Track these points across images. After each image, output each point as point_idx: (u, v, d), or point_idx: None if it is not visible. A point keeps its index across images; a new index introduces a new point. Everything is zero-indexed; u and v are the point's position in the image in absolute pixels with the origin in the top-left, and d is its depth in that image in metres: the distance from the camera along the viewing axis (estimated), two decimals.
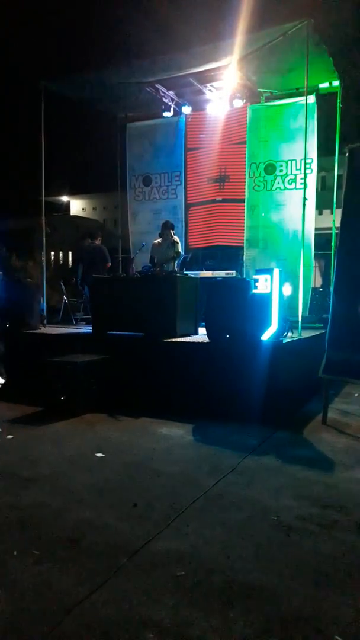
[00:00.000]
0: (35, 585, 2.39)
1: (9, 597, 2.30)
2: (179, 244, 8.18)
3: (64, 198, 41.50)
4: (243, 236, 9.10)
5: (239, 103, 8.82)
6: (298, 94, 8.30)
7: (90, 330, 7.00)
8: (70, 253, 28.49)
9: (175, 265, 8.04)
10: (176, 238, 8.13)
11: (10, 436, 4.83)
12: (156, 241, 8.20)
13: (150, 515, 3.13)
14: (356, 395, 6.72)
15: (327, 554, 2.68)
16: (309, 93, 7.31)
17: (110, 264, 8.68)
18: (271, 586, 2.39)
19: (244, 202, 9.09)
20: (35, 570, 2.52)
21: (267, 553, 2.69)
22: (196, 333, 6.63)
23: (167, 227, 8.07)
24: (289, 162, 8.59)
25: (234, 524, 3.03)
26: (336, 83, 8.14)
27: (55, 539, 2.82)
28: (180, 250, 8.17)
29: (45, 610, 2.21)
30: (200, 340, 6.04)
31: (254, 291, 5.52)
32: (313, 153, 8.14)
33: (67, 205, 43.33)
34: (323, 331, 6.39)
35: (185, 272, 7.77)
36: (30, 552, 2.68)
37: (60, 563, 2.58)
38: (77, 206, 44.44)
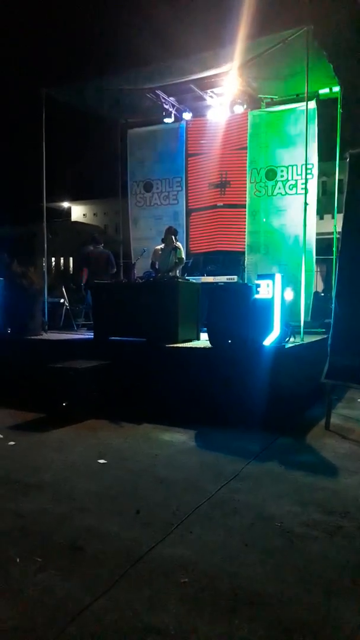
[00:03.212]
0: (38, 593, 2.37)
1: (12, 605, 2.29)
2: (182, 250, 8.18)
3: (65, 204, 41.63)
4: (244, 241, 9.10)
5: (239, 109, 8.86)
6: (298, 99, 8.33)
7: (92, 336, 7.00)
8: (71, 259, 28.53)
9: (178, 271, 8.04)
10: (179, 244, 8.13)
11: (12, 442, 4.82)
12: (158, 247, 8.21)
13: (153, 521, 3.11)
14: (359, 400, 6.69)
15: (331, 561, 2.66)
16: (310, 99, 7.33)
17: (115, 269, 8.72)
18: (275, 593, 2.37)
19: (245, 207, 9.09)
20: (38, 578, 2.50)
21: (271, 560, 2.68)
22: (198, 338, 6.62)
23: (170, 232, 8.07)
24: (290, 168, 8.61)
25: (237, 530, 3.01)
26: (336, 89, 8.17)
27: (58, 546, 2.81)
28: (183, 256, 8.16)
29: (49, 618, 2.19)
30: (202, 346, 6.04)
31: (256, 296, 5.52)
32: (314, 158, 8.16)
33: (68, 211, 43.45)
34: (325, 336, 6.39)
35: (186, 278, 7.78)
36: (33, 559, 2.67)
37: (63, 570, 2.56)
38: (78, 212, 44.53)
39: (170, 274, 7.72)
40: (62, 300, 9.23)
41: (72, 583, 2.45)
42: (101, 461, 4.25)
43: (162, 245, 8.13)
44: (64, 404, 5.58)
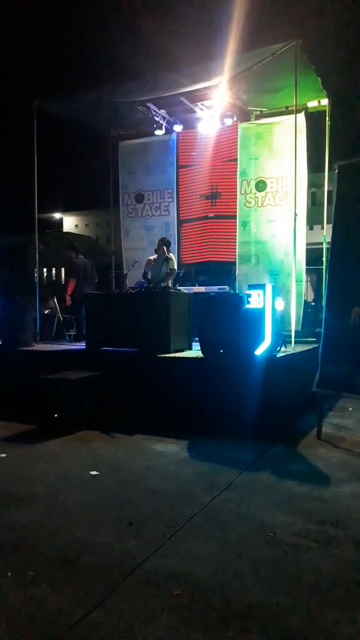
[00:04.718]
0: (30, 607, 2.35)
1: (4, 619, 2.26)
2: (174, 261, 8.21)
3: (57, 215, 41.73)
4: (235, 252, 9.16)
5: (229, 121, 8.97)
6: (288, 112, 8.43)
7: (84, 347, 6.99)
8: (62, 269, 28.49)
9: (170, 281, 8.06)
10: (171, 255, 8.17)
11: (3, 455, 4.79)
12: (151, 257, 8.24)
13: (146, 533, 3.10)
14: (350, 409, 6.72)
15: (324, 571, 2.67)
16: (298, 111, 7.44)
17: (97, 279, 8.79)
18: (269, 604, 2.37)
19: (235, 218, 9.16)
20: (31, 592, 2.48)
21: (265, 570, 2.68)
22: (190, 348, 6.63)
23: (162, 243, 8.11)
24: (280, 179, 8.70)
25: (230, 541, 3.01)
26: (325, 101, 8.30)
27: (50, 559, 2.79)
28: (175, 267, 8.18)
29: (41, 632, 2.17)
30: (194, 356, 6.05)
31: (247, 306, 5.55)
32: (303, 170, 8.25)
33: (60, 222, 43.53)
34: (316, 345, 6.42)
35: (178, 288, 7.80)
36: (25, 572, 2.65)
37: (55, 584, 2.54)
38: (69, 223, 44.63)
39: (162, 284, 7.74)
40: (47, 312, 9.22)
41: (64, 596, 2.43)
42: (93, 472, 4.24)
43: (155, 256, 8.16)
44: (55, 415, 5.56)
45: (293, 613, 2.30)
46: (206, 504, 3.53)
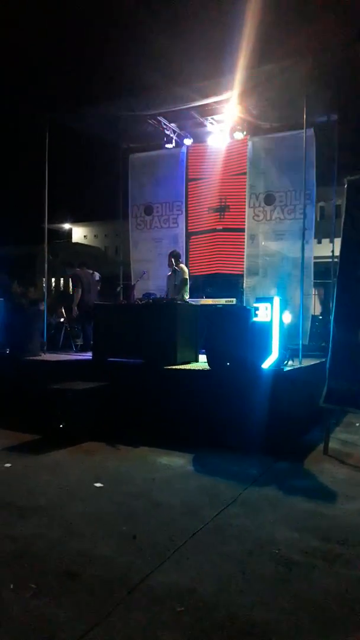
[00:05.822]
0: (32, 621, 2.33)
1: (5, 633, 2.24)
2: (184, 270, 8.23)
3: (66, 225, 42.04)
4: (243, 264, 9.17)
5: (239, 135, 9.03)
6: (297, 126, 8.48)
7: (91, 357, 6.99)
8: (70, 280, 28.65)
9: (185, 293, 8.04)
10: (181, 266, 8.21)
11: (7, 465, 4.78)
12: (168, 274, 8.33)
13: (150, 547, 3.07)
14: (357, 424, 6.66)
15: (330, 589, 2.62)
16: (308, 126, 7.48)
17: (98, 287, 8.88)
18: (273, 622, 2.33)
19: (243, 231, 9.19)
20: (32, 605, 2.46)
21: (269, 588, 2.64)
22: (196, 360, 6.62)
23: (171, 256, 8.19)
24: (289, 193, 8.72)
25: (234, 557, 2.97)
26: (334, 116, 8.34)
27: (52, 572, 2.76)
28: (185, 277, 8.18)
29: None
30: (200, 368, 6.03)
31: (255, 319, 5.54)
32: (312, 183, 8.28)
33: (69, 233, 43.83)
34: (324, 359, 6.39)
35: (186, 299, 7.82)
36: (27, 585, 2.62)
37: (57, 597, 2.52)
38: (78, 233, 44.95)
39: (177, 296, 7.73)
40: (62, 320, 9.28)
41: (66, 611, 2.41)
42: (97, 484, 4.21)
43: (171, 272, 8.25)
44: (61, 426, 5.55)
45: (298, 632, 2.26)
46: (211, 519, 3.50)
